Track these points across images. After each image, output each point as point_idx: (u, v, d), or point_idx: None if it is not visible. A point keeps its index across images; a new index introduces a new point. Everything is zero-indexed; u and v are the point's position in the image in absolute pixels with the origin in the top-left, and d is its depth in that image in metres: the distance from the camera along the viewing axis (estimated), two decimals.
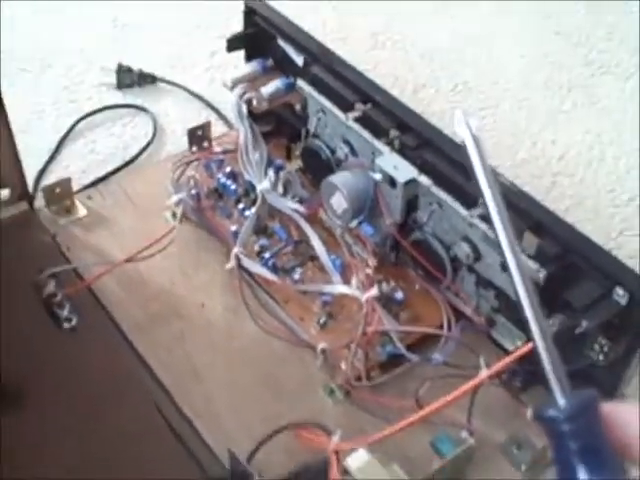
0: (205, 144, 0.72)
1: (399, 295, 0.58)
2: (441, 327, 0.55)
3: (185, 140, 0.71)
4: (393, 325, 0.55)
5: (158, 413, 0.55)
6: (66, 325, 0.59)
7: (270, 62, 0.70)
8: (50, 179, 0.71)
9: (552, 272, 0.49)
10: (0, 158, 0.63)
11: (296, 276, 0.60)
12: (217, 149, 0.71)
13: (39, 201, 0.67)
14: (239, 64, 0.70)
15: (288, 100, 0.68)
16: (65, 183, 0.67)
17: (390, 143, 0.57)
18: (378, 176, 0.56)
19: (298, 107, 0.66)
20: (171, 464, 0.52)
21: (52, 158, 0.74)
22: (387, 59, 0.90)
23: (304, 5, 0.88)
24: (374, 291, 0.55)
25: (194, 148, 0.71)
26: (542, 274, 0.49)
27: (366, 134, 0.58)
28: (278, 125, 0.71)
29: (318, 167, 0.64)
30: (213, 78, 0.84)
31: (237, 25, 0.69)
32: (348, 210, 0.57)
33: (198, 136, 0.71)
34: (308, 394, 0.55)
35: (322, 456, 0.47)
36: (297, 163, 0.68)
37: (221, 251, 0.64)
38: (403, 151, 0.57)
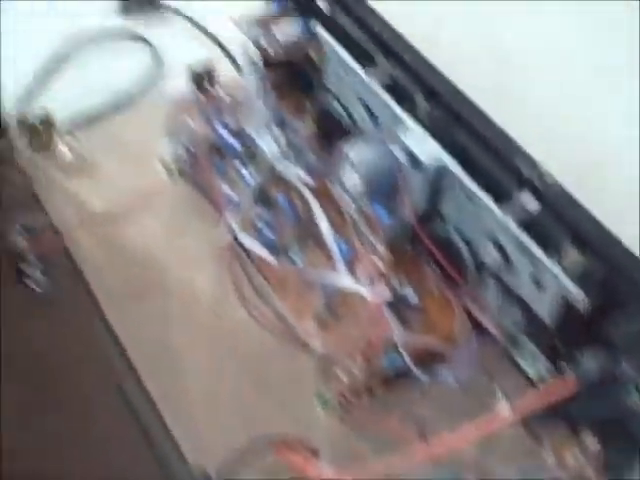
0: (208, 87, 0.64)
1: (412, 297, 0.51)
2: (456, 339, 0.48)
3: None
4: (403, 334, 0.48)
5: (123, 400, 0.48)
6: (34, 287, 0.52)
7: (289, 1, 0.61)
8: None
9: (595, 300, 0.42)
10: None
11: (297, 259, 0.52)
12: (222, 96, 0.62)
13: (15, 136, 0.60)
14: None
15: (306, 49, 0.59)
16: (48, 118, 0.59)
17: (417, 115, 0.49)
18: (401, 154, 0.48)
19: (316, 58, 0.57)
20: (130, 456, 0.46)
21: (37, 84, 0.65)
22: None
23: None
24: (385, 292, 0.48)
25: (196, 91, 0.63)
26: (584, 302, 0.41)
27: (389, 99, 0.50)
28: (292, 77, 0.62)
29: (333, 132, 0.55)
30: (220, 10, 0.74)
31: None
32: (362, 189, 0.49)
33: (200, 77, 0.63)
34: (297, 399, 0.48)
35: None
36: (310, 124, 0.60)
37: (215, 218, 0.56)
38: (431, 127, 0.49)
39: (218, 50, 0.70)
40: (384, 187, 0.49)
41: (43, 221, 0.55)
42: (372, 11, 0.54)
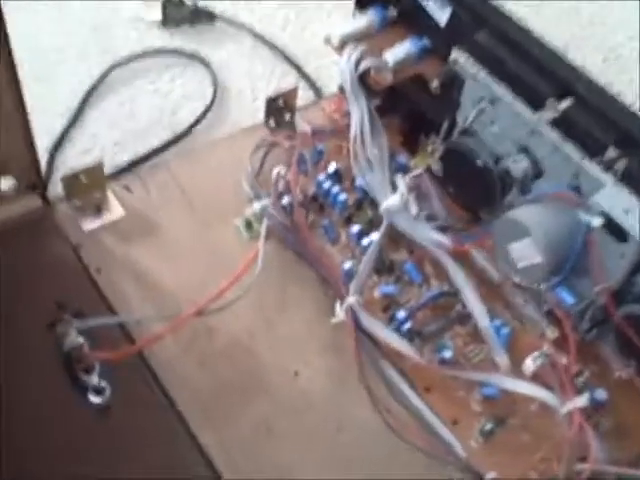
0: (287, 117, 0.51)
1: (600, 394, 0.39)
2: None
3: (255, 106, 0.50)
4: (602, 449, 0.36)
5: None
6: (94, 399, 0.39)
7: (392, 12, 0.48)
8: (70, 155, 0.50)
9: None
10: None
11: (446, 354, 0.40)
12: (307, 128, 0.50)
13: (54, 191, 0.47)
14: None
15: (418, 71, 0.47)
16: (95, 170, 0.46)
17: (609, 167, 0.37)
18: (597, 221, 0.36)
19: (435, 84, 0.45)
20: None
21: (73, 122, 0.52)
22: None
23: None
24: (582, 399, 0.36)
25: (272, 123, 0.51)
26: None
27: (571, 148, 0.38)
28: (391, 101, 0.50)
29: (468, 179, 0.43)
30: (287, 18, 0.62)
31: None
32: (542, 266, 0.37)
33: (277, 106, 0.50)
34: None
35: None
36: (426, 162, 0.47)
37: (319, 286, 0.44)
38: (628, 181, 0.37)
39: (286, 64, 0.58)
40: (570, 262, 0.37)
41: (106, 318, 0.42)
42: (526, 31, 0.41)
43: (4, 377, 0.38)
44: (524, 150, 0.40)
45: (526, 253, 0.37)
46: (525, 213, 0.38)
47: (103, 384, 0.40)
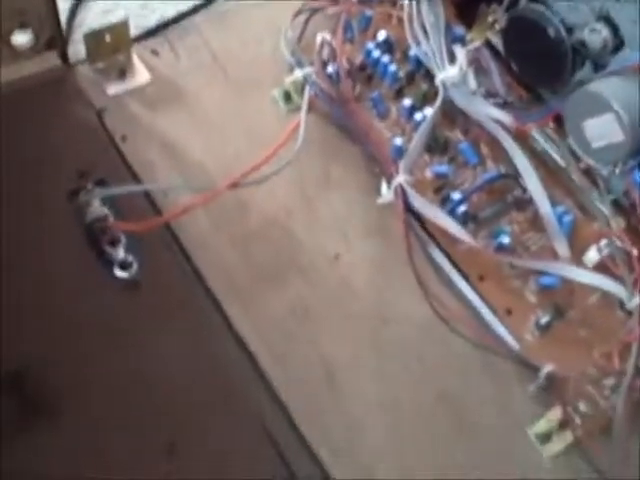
0: None
1: None
2: None
3: None
4: None
5: (267, 437, 0.34)
6: (120, 274, 0.36)
7: None
8: (92, 15, 0.46)
9: None
10: None
11: (504, 239, 0.37)
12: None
13: (75, 52, 0.43)
14: None
15: None
16: (120, 29, 0.42)
17: None
18: None
19: None
20: None
21: None
22: None
23: None
24: None
25: None
26: None
27: None
28: None
29: (534, 53, 0.39)
30: None
31: None
32: (623, 144, 0.33)
33: None
34: (507, 437, 0.34)
35: None
36: (484, 34, 0.43)
37: (364, 165, 0.41)
38: None
39: None
40: None
41: (131, 186, 0.39)
42: None
43: (26, 249, 0.36)
44: (604, 18, 0.36)
45: (605, 131, 0.33)
46: (606, 86, 0.34)
47: (130, 258, 0.37)
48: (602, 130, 0.34)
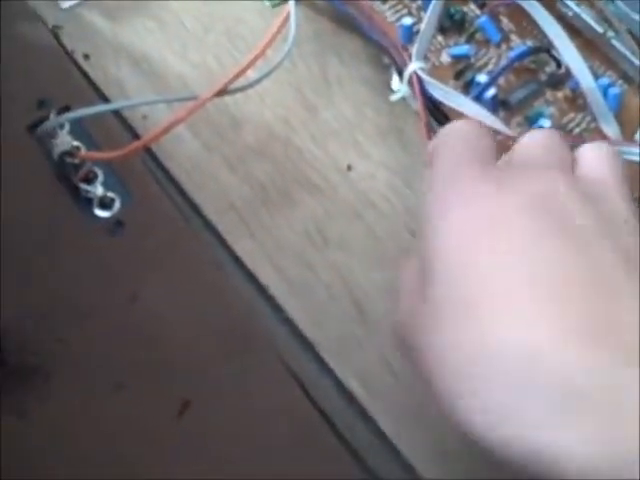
0: None
1: None
2: None
3: None
4: None
5: (295, 382, 0.29)
6: (101, 213, 0.31)
7: None
8: None
9: None
10: None
11: (544, 123, 0.31)
12: None
13: None
14: None
15: None
16: None
17: None
18: None
19: None
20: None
21: None
22: None
23: None
24: None
25: None
26: None
27: None
28: None
29: None
30: None
31: None
32: None
33: None
34: None
35: None
36: None
37: (367, 60, 0.35)
38: None
39: None
40: None
41: (100, 106, 0.33)
42: None
43: None
44: None
45: None
46: None
47: (111, 194, 0.31)
48: None
